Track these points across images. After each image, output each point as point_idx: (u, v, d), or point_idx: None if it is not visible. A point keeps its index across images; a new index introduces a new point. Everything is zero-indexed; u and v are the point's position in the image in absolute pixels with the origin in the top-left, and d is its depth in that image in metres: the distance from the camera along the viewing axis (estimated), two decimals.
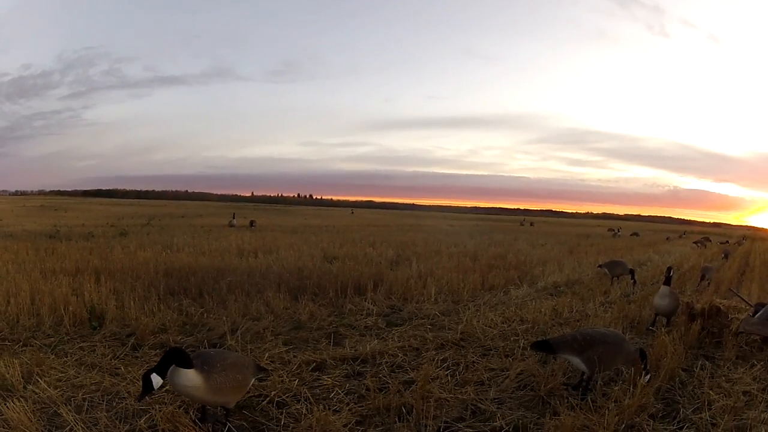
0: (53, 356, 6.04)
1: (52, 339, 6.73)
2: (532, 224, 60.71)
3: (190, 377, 3.96)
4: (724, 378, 5.93)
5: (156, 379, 3.81)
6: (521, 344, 6.94)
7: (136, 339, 6.74)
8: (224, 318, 7.69)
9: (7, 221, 30.24)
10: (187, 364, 3.95)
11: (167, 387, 4.19)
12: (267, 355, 6.19)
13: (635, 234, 43.49)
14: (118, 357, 6.12)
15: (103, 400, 4.83)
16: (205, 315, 7.95)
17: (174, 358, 3.93)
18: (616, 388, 5.38)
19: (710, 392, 5.41)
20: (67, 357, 6.05)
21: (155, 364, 3.92)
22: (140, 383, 3.93)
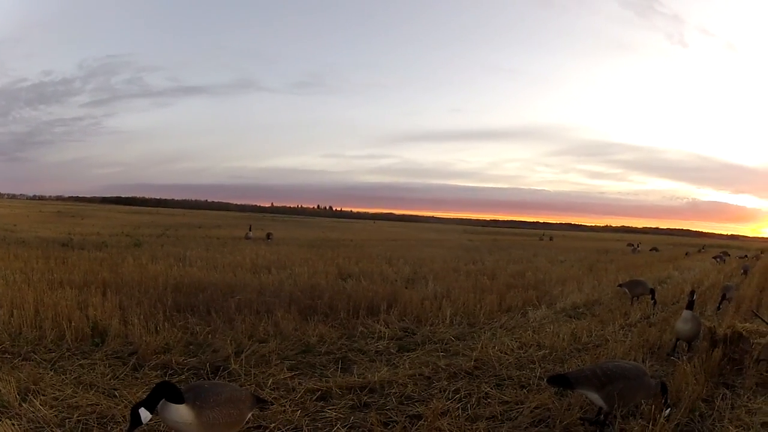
0: (52, 373, 5.92)
1: (53, 354, 6.60)
2: (551, 239, 60.19)
3: (180, 413, 3.73)
4: (744, 409, 5.80)
5: (144, 414, 3.59)
6: (537, 373, 6.66)
7: (138, 358, 6.53)
8: (230, 339, 7.43)
9: (21, 227, 30.55)
10: (178, 399, 3.72)
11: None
12: (271, 381, 5.95)
13: (654, 249, 42.93)
14: (117, 377, 5.94)
15: (97, 423, 4.68)
16: (211, 335, 7.70)
17: (164, 392, 3.70)
18: (635, 423, 5.15)
19: (729, 427, 5.26)
20: (65, 374, 5.90)
21: (146, 395, 3.71)
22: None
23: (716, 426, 5.33)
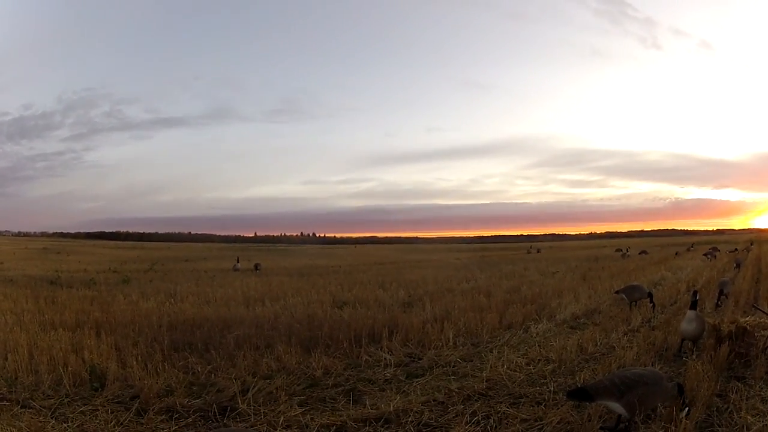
0: (53, 421, 5.79)
1: (52, 401, 6.44)
2: (539, 251, 59.93)
3: None
4: (758, 398, 6.08)
5: None
6: (551, 388, 6.63)
7: (141, 403, 6.35)
8: (233, 377, 7.27)
9: (8, 264, 30.50)
10: None
11: None
12: (282, 418, 5.82)
13: (644, 252, 42.98)
14: (121, 424, 5.78)
15: None
16: (213, 374, 7.53)
17: None
18: (655, 427, 5.28)
19: (747, 417, 5.47)
20: (68, 423, 5.77)
21: None
22: None
23: (734, 417, 5.53)
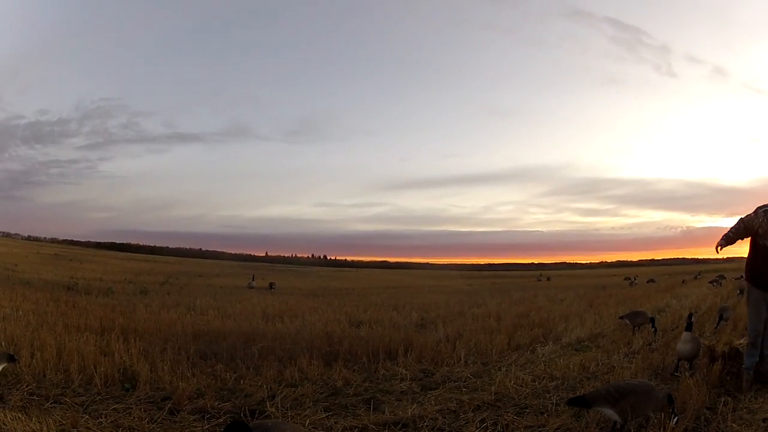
0: (87, 416, 6.07)
1: (83, 398, 6.77)
2: (549, 279, 59.25)
3: None
4: (745, 410, 6.39)
5: None
6: (554, 400, 7.02)
7: (173, 403, 6.74)
8: (261, 384, 7.72)
9: (22, 267, 30.57)
10: None
11: None
12: (308, 421, 6.25)
13: (651, 280, 42.65)
14: (155, 421, 6.15)
15: None
16: (240, 381, 7.97)
17: (237, 430, 4.04)
18: None
19: (733, 425, 5.86)
20: (101, 418, 6.07)
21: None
22: None
23: (721, 426, 5.92)
